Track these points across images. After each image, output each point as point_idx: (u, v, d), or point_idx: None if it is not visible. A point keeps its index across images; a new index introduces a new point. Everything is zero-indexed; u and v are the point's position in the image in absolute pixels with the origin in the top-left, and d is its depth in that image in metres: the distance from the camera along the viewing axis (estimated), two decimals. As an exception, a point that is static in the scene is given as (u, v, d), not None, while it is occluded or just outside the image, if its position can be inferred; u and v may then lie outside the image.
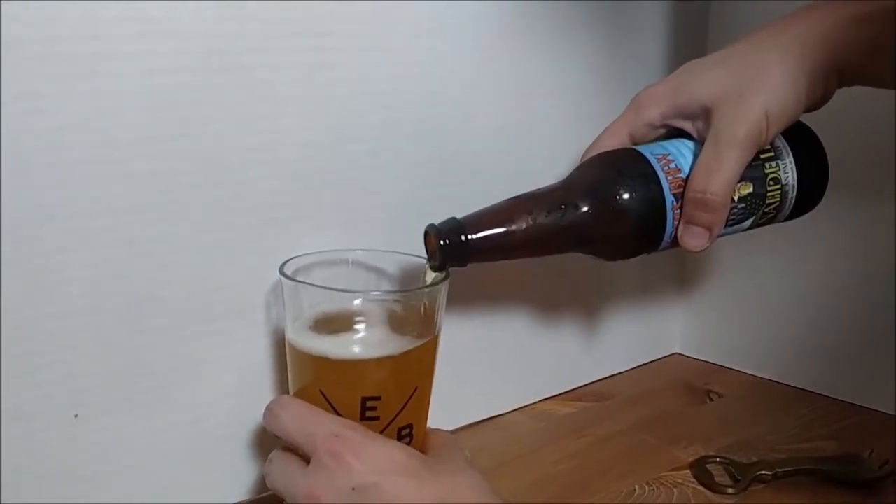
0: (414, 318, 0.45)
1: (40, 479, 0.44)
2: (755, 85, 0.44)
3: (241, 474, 0.51)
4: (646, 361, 0.75)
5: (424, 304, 0.45)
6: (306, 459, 0.40)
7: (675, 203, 0.46)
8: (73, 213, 0.42)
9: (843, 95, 0.47)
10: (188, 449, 0.48)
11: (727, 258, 0.72)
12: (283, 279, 0.44)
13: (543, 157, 0.60)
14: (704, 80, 0.47)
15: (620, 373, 0.73)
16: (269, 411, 0.42)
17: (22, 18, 0.39)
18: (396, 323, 0.45)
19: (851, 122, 0.58)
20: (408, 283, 0.49)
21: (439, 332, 0.46)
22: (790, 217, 0.51)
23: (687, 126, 0.48)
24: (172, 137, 0.44)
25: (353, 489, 0.37)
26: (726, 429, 0.62)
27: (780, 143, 0.48)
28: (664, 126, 0.49)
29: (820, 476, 0.54)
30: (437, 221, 0.46)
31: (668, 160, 0.46)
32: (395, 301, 0.46)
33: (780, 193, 0.48)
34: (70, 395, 0.44)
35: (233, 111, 0.46)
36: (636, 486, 0.53)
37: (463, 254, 0.45)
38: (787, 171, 0.48)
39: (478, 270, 0.59)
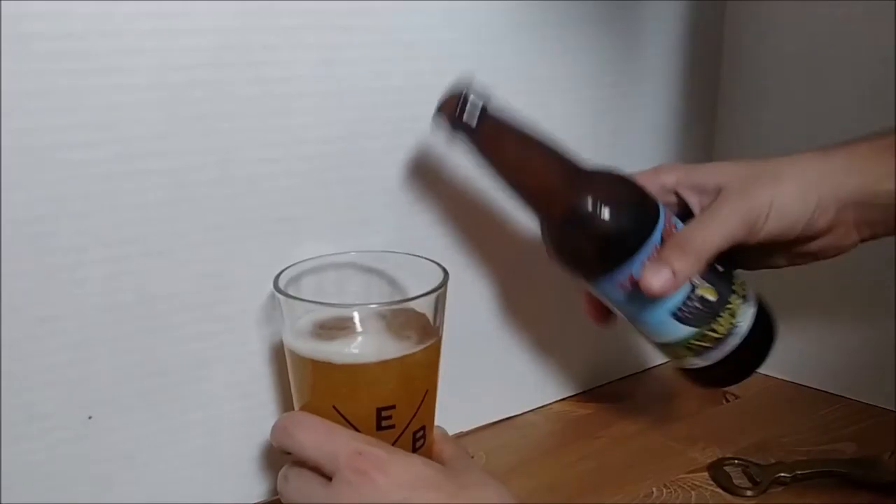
0: (415, 322, 0.44)
1: (53, 479, 0.44)
2: (768, 183, 0.46)
3: (256, 474, 0.51)
4: (662, 363, 0.74)
5: (425, 309, 0.44)
6: (323, 475, 0.39)
7: (657, 245, 0.46)
8: (86, 211, 0.42)
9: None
10: (202, 448, 0.48)
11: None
12: (277, 293, 0.43)
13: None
14: (723, 166, 0.49)
15: (636, 374, 0.72)
16: (282, 429, 0.41)
17: (35, 14, 0.38)
18: (397, 328, 0.44)
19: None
20: (411, 282, 0.49)
21: (441, 333, 0.45)
22: (701, 377, 0.51)
23: (693, 200, 0.49)
24: (185, 135, 0.44)
25: None
26: (744, 430, 0.61)
27: (752, 297, 0.50)
28: (675, 193, 0.50)
29: (839, 478, 0.53)
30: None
31: (671, 218, 0.48)
32: (396, 308, 0.46)
33: (727, 331, 0.48)
34: (84, 395, 0.44)
35: (246, 109, 0.46)
36: (653, 489, 0.53)
37: (471, 123, 0.45)
38: (744, 317, 0.48)
39: (494, 270, 0.59)
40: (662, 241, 0.46)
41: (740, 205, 0.46)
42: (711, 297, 0.47)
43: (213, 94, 0.44)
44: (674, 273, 0.44)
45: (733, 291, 0.48)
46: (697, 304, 0.47)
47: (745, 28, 0.68)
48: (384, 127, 0.51)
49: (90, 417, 0.44)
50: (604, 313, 0.53)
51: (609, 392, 0.69)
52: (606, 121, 0.63)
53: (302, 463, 0.41)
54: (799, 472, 0.53)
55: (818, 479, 0.53)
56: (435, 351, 0.45)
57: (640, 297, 0.46)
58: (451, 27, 0.53)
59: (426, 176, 0.54)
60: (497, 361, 0.62)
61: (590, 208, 0.46)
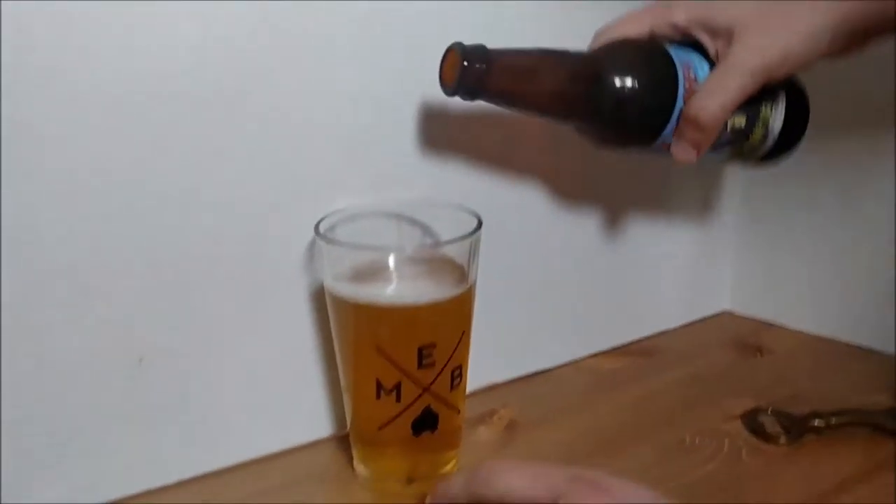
0: (450, 268, 0.45)
1: (105, 418, 0.46)
2: (782, 24, 0.45)
3: (297, 420, 0.53)
4: (695, 319, 0.74)
5: (460, 254, 0.45)
6: None
7: (681, 109, 0.47)
8: (134, 161, 0.43)
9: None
10: (248, 393, 0.50)
11: (776, 214, 0.71)
12: (318, 238, 0.45)
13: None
14: (733, 6, 0.47)
15: (669, 330, 0.72)
16: (481, 481, 0.37)
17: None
18: (433, 273, 0.45)
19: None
20: (446, 231, 0.49)
21: (475, 277, 0.47)
22: (750, 164, 0.53)
23: (706, 41, 0.48)
24: (229, 95, 0.45)
25: None
26: (778, 383, 0.61)
27: (780, 90, 0.50)
28: (685, 33, 0.49)
29: (873, 428, 0.53)
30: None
31: (690, 69, 0.47)
32: (431, 252, 0.47)
33: (762, 137, 0.50)
34: (134, 340, 0.46)
35: (287, 69, 0.47)
36: (686, 437, 0.53)
37: (480, 84, 0.45)
38: (776, 118, 0.50)
39: (530, 224, 0.59)
40: (685, 97, 0.47)
41: (753, 61, 0.45)
42: (742, 123, 0.49)
43: (255, 56, 0.45)
44: (697, 147, 0.47)
45: (762, 102, 0.49)
46: (730, 135, 0.49)
47: None
48: (418, 83, 0.52)
49: (141, 360, 0.46)
50: None
51: (642, 347, 0.69)
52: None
53: None
54: (833, 421, 0.53)
55: (852, 429, 0.53)
56: (469, 296, 0.46)
57: None
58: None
59: (463, 127, 0.54)
60: (531, 315, 0.63)
61: (608, 97, 0.47)
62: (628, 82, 0.47)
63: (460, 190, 0.54)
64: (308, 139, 0.49)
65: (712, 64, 0.48)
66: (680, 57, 0.48)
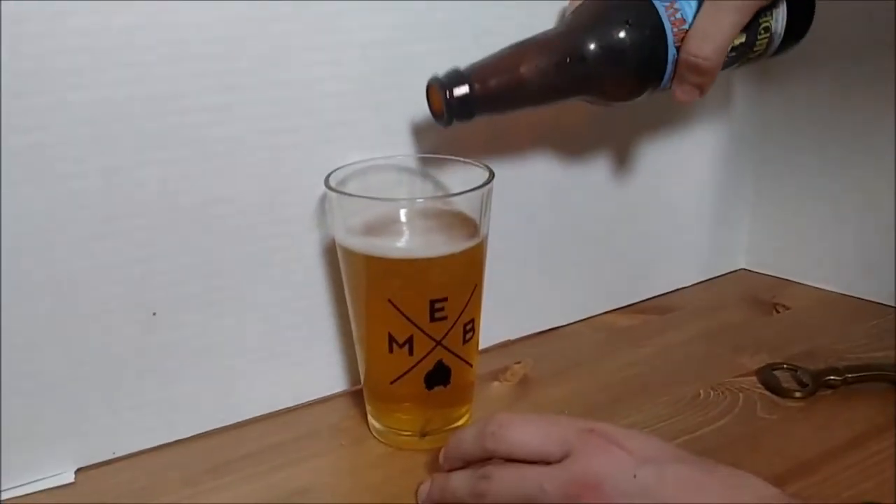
0: (461, 221, 0.45)
1: (119, 371, 0.46)
2: None
3: (313, 372, 0.53)
4: (710, 277, 0.74)
5: (471, 207, 0.45)
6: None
7: (675, 55, 0.47)
8: (145, 113, 0.43)
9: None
10: (260, 346, 0.50)
11: (792, 171, 0.69)
12: (328, 191, 0.44)
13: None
14: None
15: (684, 287, 0.72)
16: (489, 436, 0.38)
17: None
18: (444, 227, 0.45)
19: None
20: (457, 186, 0.49)
21: (487, 231, 0.46)
22: (760, 62, 0.52)
23: None
24: (239, 37, 0.45)
25: (635, 476, 0.34)
26: (794, 339, 0.61)
27: None
28: None
29: (890, 382, 0.53)
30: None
31: (675, 8, 0.46)
32: (442, 205, 0.47)
33: (768, 41, 0.49)
34: (148, 293, 0.46)
35: (295, 13, 0.46)
36: (700, 391, 0.53)
37: (469, 106, 0.45)
38: (778, 19, 0.49)
39: (544, 179, 0.59)
40: (675, 43, 0.46)
41: None
42: (743, 39, 0.48)
43: (269, 4, 0.45)
44: (700, 88, 0.47)
45: (759, 15, 0.48)
46: (733, 54, 0.48)
47: None
48: (432, 32, 0.51)
49: (154, 314, 0.46)
50: None
51: (657, 305, 0.69)
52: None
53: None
54: (849, 376, 0.53)
55: (868, 384, 0.53)
56: (480, 249, 0.46)
57: None
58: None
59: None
60: (544, 272, 0.62)
61: (594, 65, 0.46)
62: (610, 44, 0.46)
63: (473, 144, 0.53)
64: (318, 93, 0.48)
65: None
66: (663, 1, 0.47)
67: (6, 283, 0.42)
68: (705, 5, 0.45)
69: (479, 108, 0.45)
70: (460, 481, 0.38)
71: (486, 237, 0.46)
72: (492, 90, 0.45)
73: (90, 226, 0.43)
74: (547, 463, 0.36)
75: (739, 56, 0.49)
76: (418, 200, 0.46)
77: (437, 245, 0.44)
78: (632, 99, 0.50)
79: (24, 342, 0.43)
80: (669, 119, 0.65)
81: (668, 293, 0.71)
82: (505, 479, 0.36)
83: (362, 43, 0.48)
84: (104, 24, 0.41)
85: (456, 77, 0.44)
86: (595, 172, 0.62)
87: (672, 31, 0.46)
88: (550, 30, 0.48)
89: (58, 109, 0.41)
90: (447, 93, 0.44)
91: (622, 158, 0.64)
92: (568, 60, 0.46)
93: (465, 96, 0.44)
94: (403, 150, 0.51)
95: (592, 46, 0.46)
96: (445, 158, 0.50)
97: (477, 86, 0.44)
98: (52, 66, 0.40)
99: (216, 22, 0.44)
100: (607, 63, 0.46)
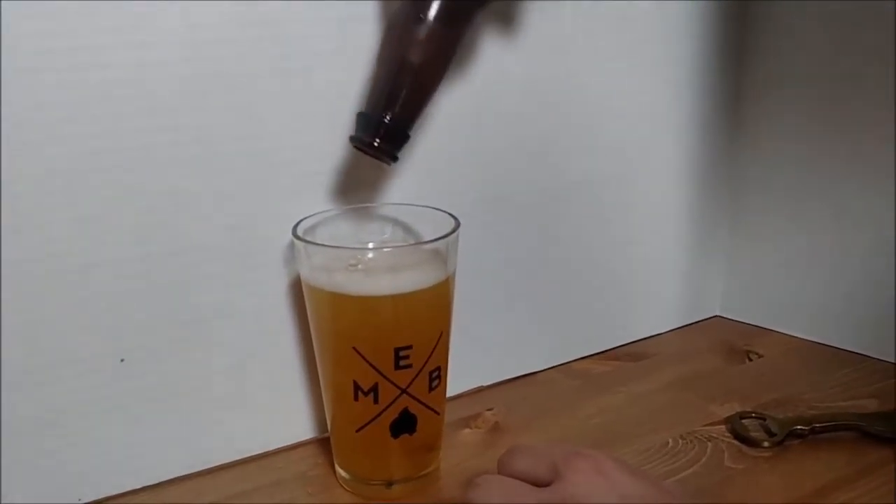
0: (428, 266, 0.45)
1: (86, 418, 0.46)
2: None
3: (281, 419, 0.53)
4: (685, 323, 0.74)
5: (437, 255, 0.46)
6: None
7: None
8: (119, 163, 0.44)
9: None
10: (229, 392, 0.50)
11: (768, 220, 0.70)
12: (296, 239, 0.45)
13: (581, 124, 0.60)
14: None
15: (658, 334, 0.72)
16: (498, 460, 0.40)
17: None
18: (410, 269, 0.45)
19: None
20: (426, 232, 0.49)
21: (454, 275, 0.47)
22: None
23: None
24: (215, 91, 0.45)
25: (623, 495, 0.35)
26: (765, 387, 0.61)
27: None
28: None
29: (858, 432, 0.53)
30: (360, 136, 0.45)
31: None
32: (409, 251, 0.47)
33: None
34: (117, 340, 0.46)
35: (268, 67, 0.47)
36: (669, 440, 0.53)
37: (399, 134, 0.44)
38: None
39: (515, 227, 0.59)
40: None
41: None
42: None
43: (240, 52, 0.46)
44: None
45: None
46: None
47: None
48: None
49: (122, 360, 0.46)
50: None
51: (631, 351, 0.69)
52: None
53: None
54: (817, 425, 0.53)
55: (837, 433, 0.53)
56: (447, 289, 0.46)
57: None
58: None
59: (443, 129, 0.54)
60: (519, 317, 0.63)
61: None
62: None
63: (440, 192, 0.54)
64: (288, 145, 0.49)
65: None
66: None
67: (-27, 330, 0.42)
68: None
69: (404, 126, 0.45)
70: None
71: (452, 280, 0.47)
72: (403, 105, 0.44)
73: (61, 274, 0.44)
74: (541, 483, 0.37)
75: None
76: (385, 250, 0.47)
77: (403, 283, 0.45)
78: None
79: (-10, 388, 0.43)
80: (646, 165, 0.66)
81: (643, 339, 0.71)
82: (492, 488, 0.38)
83: (336, 94, 0.49)
84: (81, 79, 0.42)
85: (368, 122, 0.44)
86: (571, 220, 0.63)
87: None
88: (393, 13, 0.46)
89: (33, 160, 0.41)
90: (373, 144, 0.44)
91: (598, 204, 0.64)
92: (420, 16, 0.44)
93: (387, 133, 0.44)
94: (372, 198, 0.52)
95: None
96: (413, 206, 0.51)
97: (388, 115, 0.44)
98: (28, 118, 0.41)
99: (188, 78, 0.45)
100: None
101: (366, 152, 0.46)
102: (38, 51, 0.40)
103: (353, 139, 0.45)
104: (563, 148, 0.60)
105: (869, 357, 0.65)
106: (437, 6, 0.44)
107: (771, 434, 0.53)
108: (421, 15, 0.44)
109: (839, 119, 0.63)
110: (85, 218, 0.44)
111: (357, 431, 0.46)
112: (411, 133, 0.46)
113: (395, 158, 0.45)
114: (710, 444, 0.53)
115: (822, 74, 0.63)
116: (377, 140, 0.44)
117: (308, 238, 0.46)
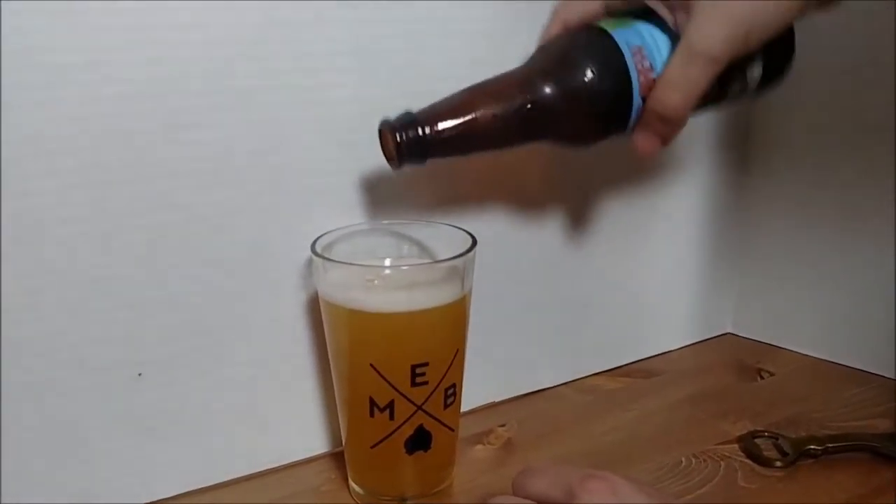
0: (445, 284, 0.46)
1: (101, 431, 0.46)
2: None
3: (296, 433, 0.53)
4: (697, 340, 0.74)
5: (453, 273, 0.46)
6: None
7: (640, 105, 0.44)
8: (136, 178, 0.44)
9: None
10: (244, 405, 0.51)
11: (780, 238, 0.70)
12: (314, 256, 0.45)
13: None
14: None
15: (670, 351, 0.72)
16: (513, 481, 0.39)
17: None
18: (428, 285, 0.46)
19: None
20: (442, 250, 0.50)
21: (470, 292, 0.47)
22: (737, 101, 0.48)
23: (664, 14, 0.44)
24: (230, 105, 0.46)
25: None
26: (777, 406, 0.61)
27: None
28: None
29: (871, 452, 0.53)
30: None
31: (643, 55, 0.43)
32: (426, 269, 0.47)
33: (741, 88, 0.46)
34: (134, 353, 0.46)
35: (286, 82, 0.47)
36: (682, 458, 0.53)
37: (423, 149, 0.43)
38: (754, 67, 0.45)
39: (529, 243, 0.60)
40: (641, 92, 0.44)
41: (713, 44, 0.41)
42: (716, 86, 0.44)
43: (254, 68, 0.46)
44: (663, 138, 0.45)
45: (735, 68, 0.44)
46: (703, 100, 0.44)
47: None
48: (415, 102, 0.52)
49: (140, 374, 0.47)
50: None
51: (643, 368, 0.69)
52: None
53: None
54: (830, 445, 0.53)
55: (849, 453, 0.53)
56: (463, 307, 0.47)
57: None
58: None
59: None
60: (531, 333, 0.63)
61: (552, 111, 0.44)
62: (572, 91, 0.44)
63: (456, 210, 0.54)
64: (307, 160, 0.49)
65: (671, 34, 0.44)
66: (628, 39, 0.44)
67: (-7, 343, 0.42)
68: (677, 53, 0.42)
69: (431, 151, 0.44)
70: None
71: (468, 299, 0.47)
72: (445, 134, 0.43)
73: (79, 287, 0.44)
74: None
75: (711, 102, 0.46)
76: (402, 267, 0.47)
77: (420, 300, 0.45)
78: (593, 145, 0.47)
79: (10, 399, 0.43)
80: (658, 183, 0.66)
81: (654, 356, 0.71)
82: None
83: (352, 111, 0.50)
84: (95, 94, 0.42)
85: (408, 120, 0.43)
86: (584, 237, 0.63)
87: (638, 80, 0.44)
88: (511, 70, 0.46)
89: (50, 175, 0.42)
90: (398, 136, 0.43)
91: (610, 222, 0.65)
92: (527, 107, 0.44)
93: (416, 139, 0.43)
94: (389, 215, 0.52)
95: (551, 92, 0.44)
96: (430, 223, 0.51)
97: (429, 129, 0.43)
98: (45, 132, 0.41)
99: (206, 93, 0.45)
100: (567, 111, 0.44)
101: (383, 142, 0.45)
102: (56, 65, 0.41)
103: (384, 122, 0.44)
104: (579, 168, 0.61)
105: (880, 376, 0.65)
106: (531, 115, 0.44)
107: (784, 454, 0.53)
108: (523, 101, 0.44)
109: (849, 139, 0.64)
110: (102, 232, 0.44)
111: (372, 447, 0.46)
112: (427, 158, 0.44)
113: (401, 164, 0.44)
114: (723, 462, 0.53)
115: (833, 100, 0.64)
116: (403, 137, 0.43)
117: (326, 255, 0.46)
